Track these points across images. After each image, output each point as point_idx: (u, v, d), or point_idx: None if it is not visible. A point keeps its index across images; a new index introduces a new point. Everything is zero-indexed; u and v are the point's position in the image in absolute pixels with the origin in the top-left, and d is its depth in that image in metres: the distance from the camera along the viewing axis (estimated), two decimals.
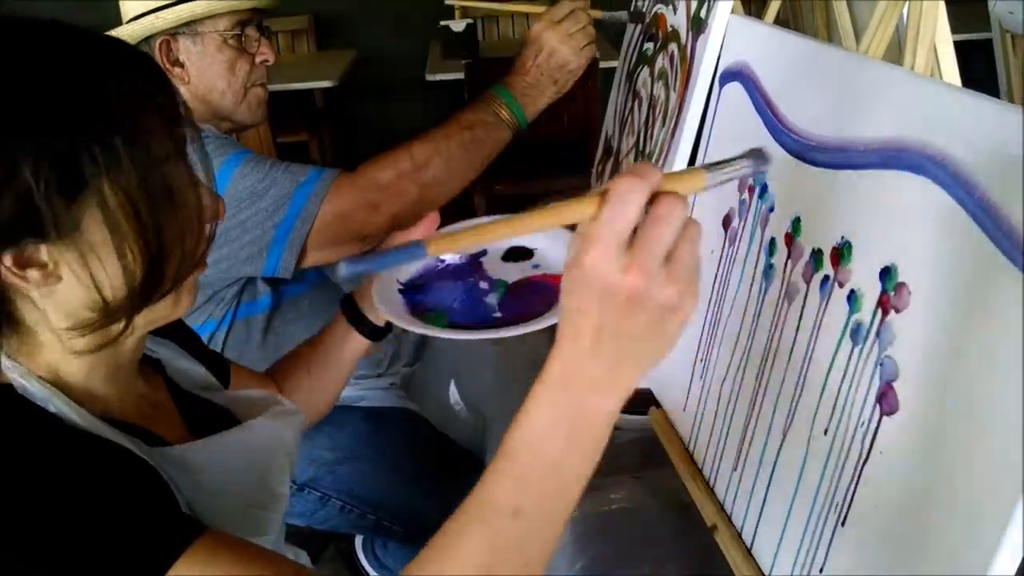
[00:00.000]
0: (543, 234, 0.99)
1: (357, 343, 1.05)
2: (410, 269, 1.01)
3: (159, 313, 0.72)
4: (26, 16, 0.66)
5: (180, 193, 0.67)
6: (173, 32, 1.27)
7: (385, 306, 0.94)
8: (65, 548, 0.61)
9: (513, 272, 1.03)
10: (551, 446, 0.56)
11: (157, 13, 1.25)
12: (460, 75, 3.09)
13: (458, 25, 3.56)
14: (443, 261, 1.01)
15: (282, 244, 1.22)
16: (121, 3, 1.30)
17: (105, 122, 0.63)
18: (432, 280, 1.00)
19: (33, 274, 0.64)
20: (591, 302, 0.54)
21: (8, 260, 0.63)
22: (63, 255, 0.64)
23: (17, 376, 0.69)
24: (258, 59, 1.33)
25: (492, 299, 0.98)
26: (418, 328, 0.91)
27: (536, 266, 1.04)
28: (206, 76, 1.30)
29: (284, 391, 1.08)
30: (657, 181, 0.53)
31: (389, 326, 1.04)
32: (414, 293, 0.99)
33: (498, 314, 0.96)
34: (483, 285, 1.01)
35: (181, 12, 1.25)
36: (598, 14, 1.35)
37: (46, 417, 0.68)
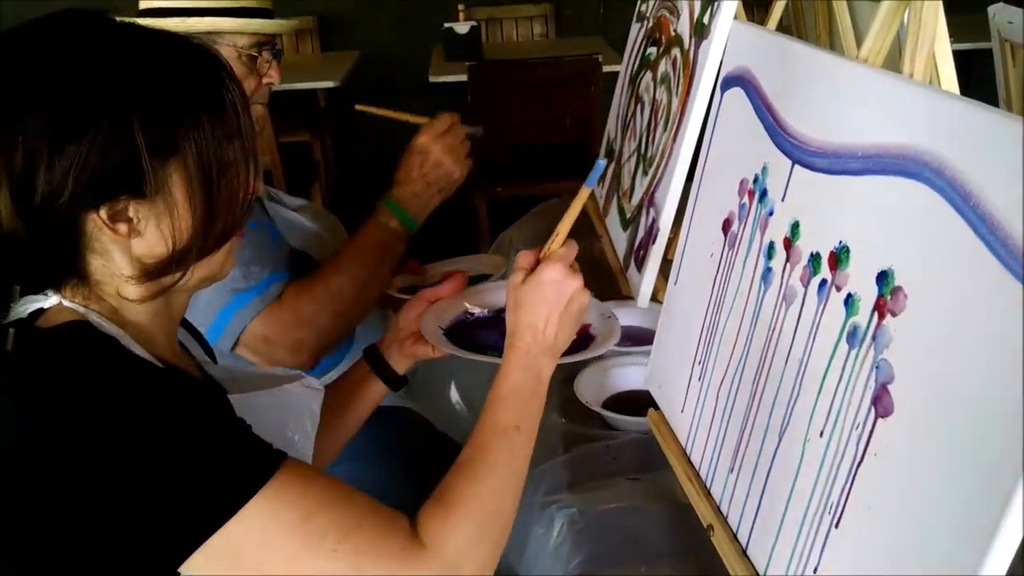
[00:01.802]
0: None
1: (377, 390, 1.13)
2: (446, 318, 1.13)
3: (211, 271, 0.82)
4: (128, 21, 0.80)
5: (236, 165, 0.79)
6: (191, 35, 1.28)
7: (440, 343, 1.07)
8: (179, 456, 0.68)
9: None
10: (525, 390, 0.88)
11: (184, 18, 1.26)
12: (463, 77, 3.09)
13: (462, 27, 3.57)
14: (472, 314, 1.16)
15: (218, 330, 1.27)
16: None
17: (197, 100, 0.75)
18: (468, 329, 1.13)
19: (122, 227, 0.74)
20: (550, 296, 0.90)
21: (104, 213, 0.73)
22: (148, 212, 0.74)
23: (91, 315, 0.76)
24: (265, 80, 1.35)
25: None
26: (479, 357, 1.04)
27: None
28: None
29: None
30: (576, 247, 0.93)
31: (407, 377, 1.14)
32: (456, 336, 1.11)
33: None
34: None
35: (215, 23, 1.27)
36: (468, 129, 1.44)
37: (121, 348, 0.75)
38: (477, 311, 1.17)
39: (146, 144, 0.72)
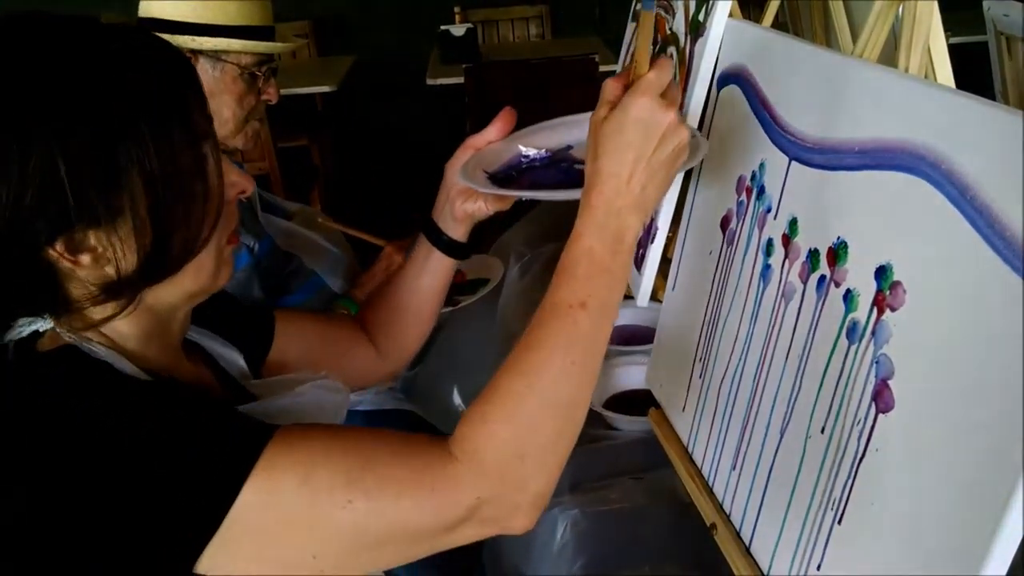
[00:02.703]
0: None
1: (439, 263, 1.05)
2: (494, 163, 0.98)
3: (201, 284, 0.77)
4: (56, 14, 0.70)
5: (191, 180, 0.72)
6: (198, 51, 1.29)
7: (478, 184, 0.92)
8: (165, 462, 0.66)
9: None
10: (601, 256, 0.73)
11: (195, 37, 1.27)
12: (460, 80, 3.10)
13: (458, 29, 3.57)
14: (527, 157, 1.00)
15: None
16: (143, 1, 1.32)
17: (134, 115, 0.68)
18: (521, 174, 0.98)
19: (84, 258, 0.69)
20: (635, 136, 0.73)
21: (60, 247, 0.68)
22: (111, 236, 0.69)
23: (79, 342, 0.73)
24: (263, 97, 1.38)
25: None
26: (519, 194, 0.90)
27: None
28: (214, 101, 1.31)
29: (372, 331, 1.09)
30: (672, 63, 0.76)
31: (469, 245, 1.05)
32: (503, 183, 0.96)
33: None
34: (579, 167, 0.96)
35: (218, 44, 1.29)
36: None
37: (112, 370, 0.72)
38: (532, 152, 1.01)
39: (84, 172, 0.66)
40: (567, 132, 1.01)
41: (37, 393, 0.70)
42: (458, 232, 1.03)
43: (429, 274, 1.06)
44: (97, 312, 0.73)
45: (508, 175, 0.97)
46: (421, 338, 1.12)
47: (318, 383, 0.91)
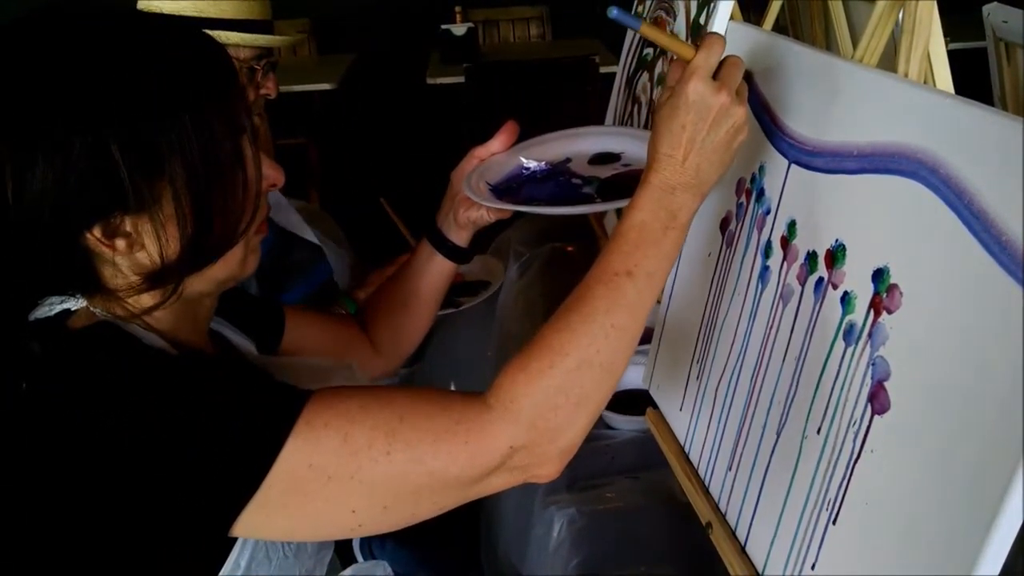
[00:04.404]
0: (627, 138, 1.07)
1: (440, 266, 1.09)
2: (497, 175, 1.02)
3: (230, 272, 0.79)
4: (100, 4, 0.74)
5: (235, 164, 0.74)
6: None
7: (479, 197, 0.94)
8: (206, 426, 0.67)
9: (603, 172, 1.02)
10: (652, 229, 0.76)
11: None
12: (460, 79, 3.10)
13: (459, 29, 3.58)
14: (528, 168, 1.03)
15: None
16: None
17: (179, 103, 0.70)
18: (521, 185, 1.01)
19: (120, 243, 0.71)
20: (688, 118, 0.75)
21: (98, 231, 0.70)
22: (147, 223, 0.71)
23: (113, 319, 0.75)
24: (262, 91, 1.37)
25: (589, 190, 0.97)
26: (517, 207, 0.92)
27: (627, 165, 1.03)
28: None
29: (371, 329, 1.11)
30: (724, 41, 0.77)
31: (471, 250, 1.08)
32: (504, 194, 0.99)
33: (599, 199, 0.95)
34: (576, 181, 1.00)
35: (225, 37, 1.28)
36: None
37: (147, 345, 0.74)
38: (533, 164, 1.04)
39: (127, 159, 0.68)
40: (568, 145, 1.05)
41: (77, 363, 0.71)
42: (461, 237, 1.07)
43: (430, 276, 1.09)
44: (139, 302, 0.75)
45: (509, 186, 1.00)
46: (418, 337, 1.14)
47: (347, 372, 0.93)
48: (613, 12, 0.74)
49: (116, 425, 0.67)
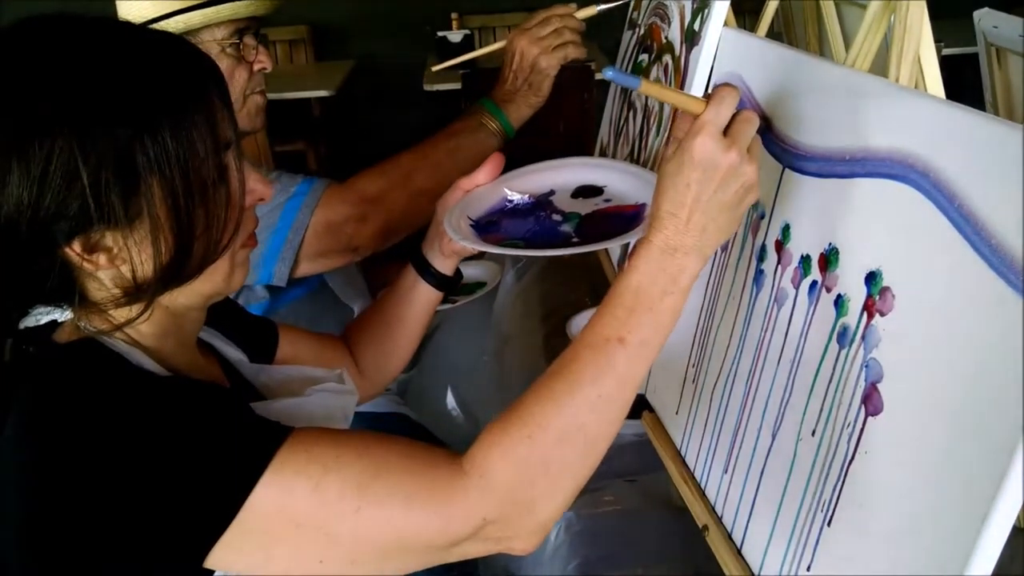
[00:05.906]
0: (611, 171, 1.06)
1: (425, 294, 1.07)
2: (480, 207, 1.01)
3: (215, 287, 0.77)
4: (80, 15, 0.71)
5: (214, 187, 0.72)
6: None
7: (459, 236, 0.94)
8: (181, 457, 0.66)
9: (584, 207, 1.03)
10: (650, 295, 0.72)
11: (152, 26, 1.24)
12: (457, 86, 3.11)
13: (455, 36, 3.59)
14: (511, 201, 1.02)
15: (276, 255, 1.23)
16: (118, 3, 1.30)
17: (157, 122, 0.68)
18: (503, 218, 1.00)
19: (100, 258, 0.70)
20: (694, 175, 0.70)
21: (77, 246, 0.69)
22: (128, 238, 0.69)
23: (98, 335, 0.73)
24: (256, 67, 1.32)
25: (567, 227, 0.98)
26: (496, 249, 0.91)
27: (608, 200, 1.03)
28: None
29: (356, 352, 1.10)
30: (738, 94, 0.72)
31: (456, 277, 1.07)
32: (486, 228, 0.98)
33: (576, 239, 0.95)
34: (556, 217, 1.00)
35: (177, 24, 1.23)
36: (591, 11, 1.42)
37: (130, 364, 0.73)
38: (516, 197, 1.01)
39: (104, 175, 0.66)
40: (553, 176, 1.05)
41: (55, 384, 0.70)
42: (445, 266, 1.06)
43: (414, 304, 1.08)
44: (119, 314, 0.73)
45: (490, 220, 0.99)
46: (402, 363, 1.13)
47: (325, 387, 0.92)
48: (608, 73, 0.72)
49: (89, 450, 0.66)
